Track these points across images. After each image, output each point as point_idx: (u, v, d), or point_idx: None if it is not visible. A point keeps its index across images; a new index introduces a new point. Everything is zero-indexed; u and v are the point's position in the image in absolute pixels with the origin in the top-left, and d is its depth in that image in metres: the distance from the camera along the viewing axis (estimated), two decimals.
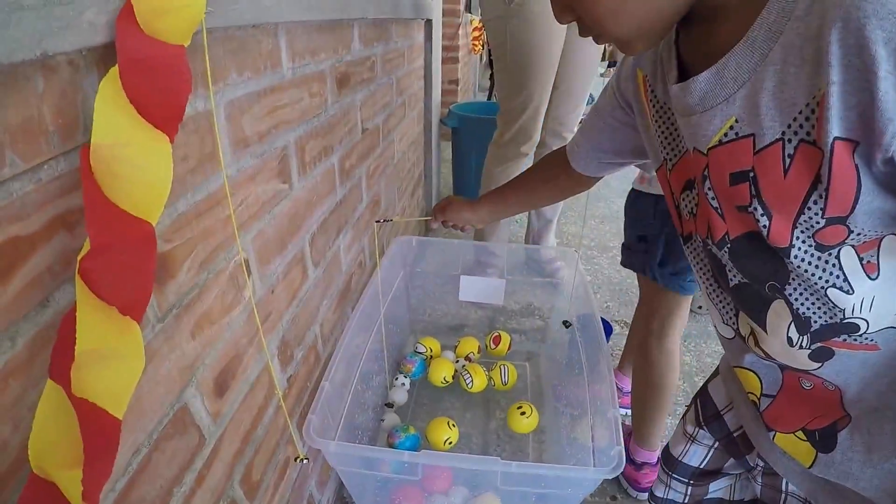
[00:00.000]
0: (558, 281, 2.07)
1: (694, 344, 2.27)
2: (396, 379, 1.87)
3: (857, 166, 0.51)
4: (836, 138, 0.50)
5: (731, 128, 0.59)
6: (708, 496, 0.98)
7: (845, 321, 0.62)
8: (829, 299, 0.61)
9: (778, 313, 0.66)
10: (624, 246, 1.52)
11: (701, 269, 0.78)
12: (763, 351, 0.72)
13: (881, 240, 0.57)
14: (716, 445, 0.95)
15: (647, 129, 0.82)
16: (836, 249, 0.58)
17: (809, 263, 0.59)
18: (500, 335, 2.06)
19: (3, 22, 0.41)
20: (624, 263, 1.53)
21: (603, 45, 2.28)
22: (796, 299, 0.63)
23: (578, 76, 2.32)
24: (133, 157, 0.49)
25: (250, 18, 0.80)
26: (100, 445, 0.46)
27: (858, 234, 0.56)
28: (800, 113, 0.52)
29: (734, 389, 0.88)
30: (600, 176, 1.12)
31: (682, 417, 1.03)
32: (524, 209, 1.43)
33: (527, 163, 2.34)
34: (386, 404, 1.80)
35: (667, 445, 1.05)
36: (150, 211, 0.50)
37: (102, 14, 0.50)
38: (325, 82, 1.24)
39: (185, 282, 0.73)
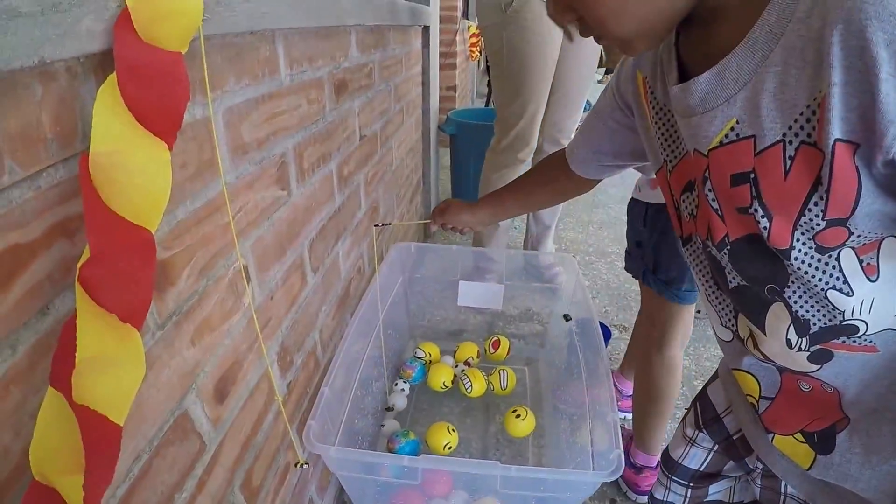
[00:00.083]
0: (557, 286, 2.07)
1: (693, 348, 2.27)
2: (396, 384, 1.87)
3: (857, 168, 0.51)
4: (836, 140, 0.50)
5: (732, 129, 0.59)
6: (707, 498, 0.98)
7: (845, 323, 0.62)
8: (829, 301, 0.61)
9: (777, 315, 0.66)
10: (626, 251, 1.53)
11: (700, 270, 0.78)
12: (762, 353, 0.72)
13: (881, 242, 0.57)
14: (715, 448, 0.95)
15: (646, 130, 0.82)
16: (837, 251, 0.58)
17: (809, 265, 0.59)
18: (499, 340, 2.06)
19: (0, 29, 0.41)
20: (626, 268, 1.54)
21: (600, 52, 2.30)
22: (795, 301, 0.63)
23: (575, 83, 2.32)
24: (132, 165, 0.49)
25: (247, 25, 0.80)
26: (101, 452, 0.46)
27: (859, 236, 0.56)
28: (801, 114, 0.52)
29: (733, 392, 0.88)
30: (599, 179, 1.12)
31: (682, 420, 1.03)
32: (523, 211, 1.43)
33: (524, 169, 2.34)
34: (386, 409, 1.81)
35: (666, 448, 1.05)
36: (150, 218, 0.51)
37: (100, 21, 0.50)
38: (322, 89, 1.24)
39: (185, 289, 0.73)
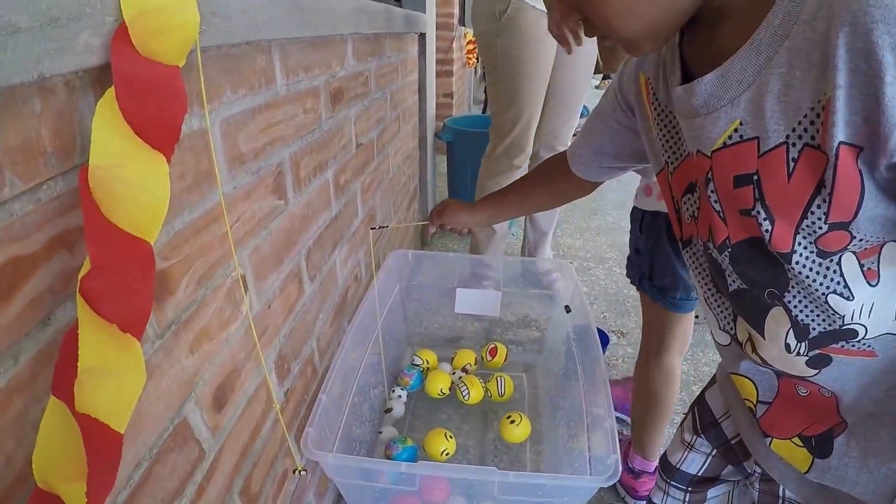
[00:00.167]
0: (555, 292, 2.08)
1: (691, 353, 2.28)
2: (393, 391, 1.87)
3: (860, 171, 0.51)
4: (841, 143, 0.50)
5: (736, 130, 0.59)
6: (706, 503, 0.99)
7: (844, 327, 0.62)
8: (830, 306, 0.61)
9: (777, 320, 0.66)
10: (627, 257, 1.54)
11: (700, 273, 0.78)
12: (760, 357, 0.72)
13: (882, 246, 0.57)
14: (713, 453, 0.95)
15: (648, 132, 0.82)
16: (838, 256, 0.58)
17: (811, 270, 0.59)
18: (496, 347, 2.06)
19: (0, 45, 0.42)
20: (627, 274, 1.55)
21: (596, 58, 2.31)
22: (795, 306, 0.64)
23: (571, 89, 2.34)
24: (131, 178, 0.50)
25: (244, 36, 0.81)
26: (103, 459, 0.47)
27: (860, 240, 0.56)
28: (804, 117, 0.53)
29: (731, 397, 0.88)
30: (600, 181, 1.11)
31: (680, 425, 1.04)
32: (522, 213, 1.43)
33: (519, 176, 2.35)
34: (385, 410, 1.81)
35: (664, 453, 1.05)
36: (149, 230, 0.51)
37: (98, 36, 0.51)
38: (318, 98, 1.25)
39: (184, 298, 0.74)
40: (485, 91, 4.91)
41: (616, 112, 0.92)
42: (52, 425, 0.48)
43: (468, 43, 6.19)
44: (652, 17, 0.60)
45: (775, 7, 0.53)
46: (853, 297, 0.60)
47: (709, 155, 0.63)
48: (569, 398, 1.57)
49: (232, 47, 0.83)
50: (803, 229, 0.57)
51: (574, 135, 3.63)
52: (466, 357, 2.03)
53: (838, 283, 0.59)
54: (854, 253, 0.57)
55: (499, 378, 1.91)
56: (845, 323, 0.62)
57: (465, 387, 1.88)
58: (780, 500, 0.83)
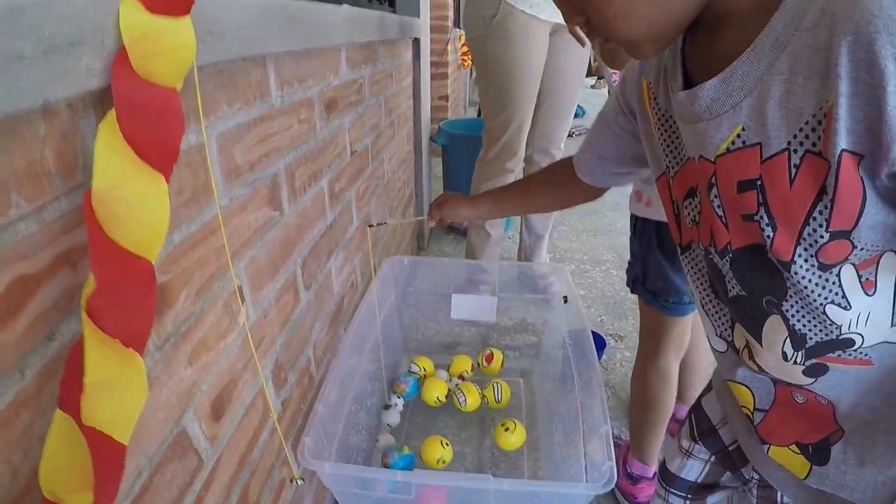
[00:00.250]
0: (551, 296, 2.09)
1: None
2: (390, 399, 1.89)
3: (862, 179, 0.52)
4: (843, 150, 0.50)
5: (739, 136, 0.59)
6: None
7: (841, 337, 0.63)
8: (827, 316, 0.61)
9: (774, 328, 0.67)
10: (628, 261, 1.55)
11: (698, 279, 0.79)
12: (757, 364, 0.73)
13: (881, 256, 0.58)
14: (712, 459, 0.96)
15: (649, 136, 0.83)
16: (838, 268, 0.58)
17: (809, 281, 0.60)
18: (492, 353, 2.08)
19: (5, 73, 0.43)
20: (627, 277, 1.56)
21: (588, 61, 2.33)
22: (793, 315, 0.64)
23: (563, 93, 2.36)
24: (132, 199, 0.52)
25: (239, 52, 0.83)
26: (107, 470, 0.50)
27: (862, 249, 0.56)
28: (806, 123, 0.53)
29: (728, 404, 0.89)
30: (605, 187, 1.11)
31: (678, 432, 1.04)
32: (524, 211, 1.42)
33: (512, 179, 2.37)
34: (384, 406, 1.83)
35: (663, 460, 1.06)
36: (150, 248, 0.54)
37: (99, 59, 0.53)
38: (313, 108, 1.27)
39: (182, 311, 0.76)
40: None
41: (618, 116, 0.93)
42: (58, 438, 0.50)
43: (463, 45, 6.20)
44: (654, 18, 0.60)
45: (777, 13, 0.53)
46: (850, 307, 0.60)
47: (713, 160, 0.63)
48: (565, 404, 1.59)
49: (227, 63, 0.85)
50: (804, 239, 0.57)
51: (569, 135, 3.66)
52: (463, 364, 2.05)
53: (836, 293, 0.60)
54: (853, 265, 0.58)
55: (495, 384, 1.93)
56: (842, 332, 0.62)
57: (461, 394, 1.89)
58: None
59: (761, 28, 0.55)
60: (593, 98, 8.75)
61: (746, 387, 0.77)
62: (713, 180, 0.64)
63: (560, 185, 1.17)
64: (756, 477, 0.87)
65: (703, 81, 0.62)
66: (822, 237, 0.56)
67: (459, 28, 6.07)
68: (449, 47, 5.63)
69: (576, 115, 4.57)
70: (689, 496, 1.01)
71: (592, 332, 1.65)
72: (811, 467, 0.73)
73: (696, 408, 1.00)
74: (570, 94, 2.39)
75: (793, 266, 0.59)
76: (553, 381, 1.88)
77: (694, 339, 1.55)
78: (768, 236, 0.60)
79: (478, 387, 1.94)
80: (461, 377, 2.01)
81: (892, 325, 0.62)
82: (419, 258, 2.09)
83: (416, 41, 2.80)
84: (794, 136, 0.54)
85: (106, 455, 0.50)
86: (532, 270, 2.41)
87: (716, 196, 0.65)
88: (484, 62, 2.23)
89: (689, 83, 0.67)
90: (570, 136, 4.04)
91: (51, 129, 0.53)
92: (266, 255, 1.04)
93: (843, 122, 0.49)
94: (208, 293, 0.83)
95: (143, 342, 0.54)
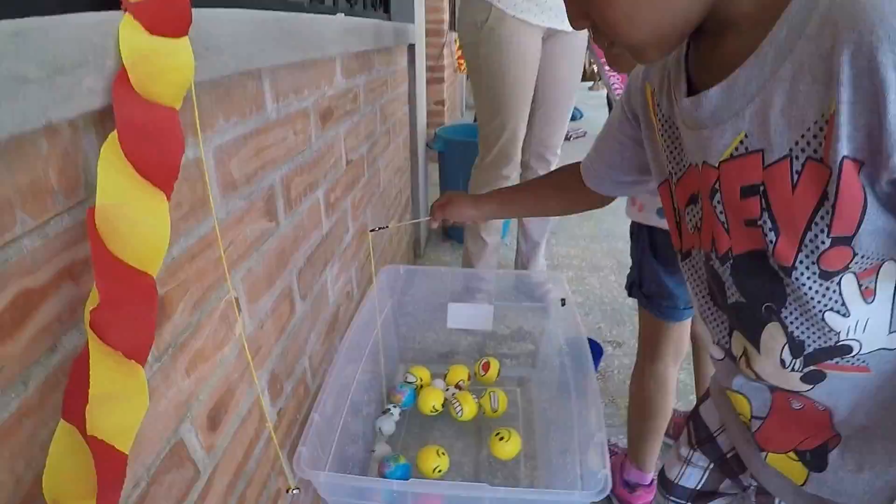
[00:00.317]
0: (548, 304, 2.09)
1: (688, 362, 2.28)
2: (387, 409, 1.90)
3: (863, 185, 0.53)
4: (844, 157, 0.51)
5: (741, 142, 0.60)
6: None
7: (840, 343, 0.64)
8: (826, 323, 0.62)
9: (773, 335, 0.68)
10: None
11: (697, 285, 0.80)
12: (754, 372, 0.73)
13: (881, 266, 0.58)
14: (711, 467, 0.97)
15: (653, 143, 0.84)
16: (839, 277, 0.59)
17: (810, 288, 0.61)
18: (489, 362, 2.08)
19: (10, 96, 0.45)
20: None
21: (582, 66, 2.35)
22: (791, 322, 0.65)
23: (557, 99, 2.38)
24: (134, 216, 0.55)
25: (235, 67, 0.85)
26: (109, 478, 0.52)
27: (863, 257, 0.57)
28: (808, 130, 0.54)
29: (725, 411, 0.90)
30: (612, 196, 1.12)
31: (676, 440, 1.06)
32: (531, 213, 1.42)
33: (508, 185, 2.37)
34: (383, 410, 1.85)
35: (662, 468, 1.07)
36: (152, 264, 0.56)
37: (100, 80, 0.55)
38: (308, 119, 1.29)
39: (180, 322, 0.78)
40: None
41: (623, 124, 0.93)
42: (61, 447, 0.52)
43: (458, 48, 6.21)
44: (659, 23, 0.61)
45: (781, 21, 0.54)
46: (849, 314, 0.61)
47: (716, 166, 0.64)
48: (561, 412, 1.60)
49: (224, 77, 0.86)
50: (806, 245, 0.58)
51: (567, 138, 3.67)
52: (459, 373, 2.06)
53: (836, 300, 0.61)
54: (854, 274, 0.59)
55: (492, 394, 1.93)
56: (840, 339, 0.63)
57: (458, 403, 1.89)
58: None
59: (764, 35, 0.56)
60: (591, 100, 8.78)
61: (743, 395, 0.78)
62: (717, 186, 0.65)
63: (568, 189, 1.16)
64: (754, 484, 0.88)
65: (706, 88, 0.63)
66: (823, 243, 0.57)
67: (455, 31, 6.08)
68: (445, 51, 5.65)
69: (573, 118, 4.59)
70: None
71: (589, 339, 1.66)
72: (809, 474, 0.74)
73: (694, 416, 1.02)
74: (564, 99, 2.41)
75: (794, 272, 0.60)
76: (550, 389, 1.88)
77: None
78: (771, 241, 0.61)
79: (474, 396, 1.94)
80: (458, 386, 2.02)
81: (889, 332, 0.63)
82: (415, 267, 2.10)
83: (412, 47, 2.82)
84: (796, 143, 0.55)
85: (108, 464, 0.52)
86: (529, 278, 2.41)
87: (719, 202, 0.66)
88: (477, 67, 2.26)
89: (692, 90, 0.68)
90: (567, 139, 4.05)
91: (53, 148, 0.55)
92: (262, 266, 1.06)
93: (845, 130, 0.50)
94: (206, 304, 0.85)
95: (144, 355, 0.56)
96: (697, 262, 0.78)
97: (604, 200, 1.14)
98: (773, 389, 0.74)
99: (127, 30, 0.57)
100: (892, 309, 0.62)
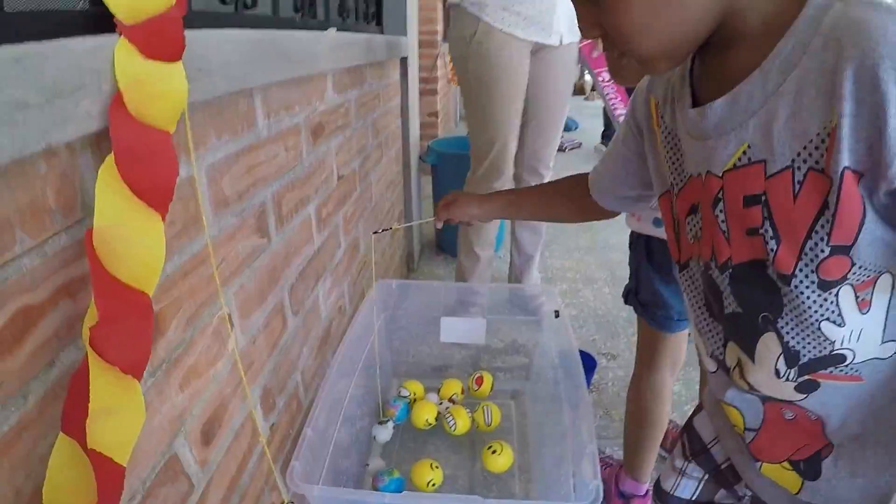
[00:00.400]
0: (541, 317, 2.10)
1: (684, 372, 2.26)
2: (380, 423, 1.91)
3: (862, 196, 0.55)
4: (845, 168, 0.54)
5: (745, 153, 0.62)
6: None
7: (834, 353, 0.65)
8: (821, 332, 0.64)
9: (768, 346, 0.69)
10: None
11: (694, 296, 0.82)
12: (747, 383, 0.74)
13: (877, 278, 0.61)
14: (705, 478, 0.99)
15: (655, 154, 0.85)
16: (837, 288, 0.61)
17: (808, 297, 0.63)
18: (482, 376, 2.09)
19: (11, 122, 0.48)
20: None
21: (573, 81, 2.37)
22: (787, 332, 0.67)
23: (548, 112, 2.40)
24: (130, 237, 0.58)
25: (227, 87, 0.87)
26: (108, 490, 0.55)
27: (861, 268, 0.59)
28: (810, 142, 0.56)
29: (719, 423, 0.92)
30: (617, 211, 1.13)
31: (671, 452, 1.07)
32: (538, 217, 1.43)
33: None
34: (379, 422, 1.86)
35: (657, 480, 1.09)
36: (148, 283, 0.59)
37: (97, 103, 0.58)
38: (299, 135, 1.31)
39: (174, 338, 0.81)
40: None
41: (627, 138, 0.95)
42: (61, 460, 0.55)
43: (451, 59, 6.22)
44: (670, 36, 0.63)
45: (786, 36, 0.57)
46: (844, 324, 0.63)
47: (720, 175, 0.66)
48: (555, 425, 1.61)
49: (216, 97, 0.89)
50: (806, 253, 0.60)
51: (561, 149, 3.68)
52: (453, 387, 2.07)
53: (833, 311, 0.63)
54: (852, 286, 0.61)
55: (485, 407, 1.94)
56: (835, 349, 0.65)
57: (451, 417, 1.91)
58: None
59: (770, 48, 0.58)
60: (586, 110, 8.83)
61: (735, 408, 0.80)
62: (720, 195, 0.67)
63: (575, 198, 1.17)
64: (749, 494, 0.89)
65: (710, 100, 0.65)
66: (822, 251, 0.59)
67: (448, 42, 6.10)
68: (439, 62, 5.67)
69: (567, 129, 4.62)
70: None
71: (583, 352, 1.67)
72: (803, 482, 0.76)
73: (689, 428, 1.03)
74: (556, 113, 2.42)
75: (793, 280, 0.62)
76: (543, 402, 1.89)
77: None
78: (772, 249, 0.63)
79: (468, 410, 1.96)
80: (451, 400, 2.03)
81: (882, 342, 0.65)
82: (408, 282, 2.11)
83: (404, 60, 2.84)
84: (799, 154, 0.58)
85: (108, 476, 0.55)
86: (522, 291, 2.43)
87: (721, 210, 0.68)
88: (466, 81, 2.29)
89: (696, 102, 0.71)
90: (562, 149, 4.07)
91: (51, 169, 0.58)
92: (254, 282, 1.08)
93: (847, 142, 0.53)
94: (199, 321, 0.87)
95: (141, 370, 0.59)
96: (695, 273, 0.80)
97: (607, 213, 1.15)
98: (766, 400, 0.76)
99: (122, 53, 0.59)
100: (886, 319, 0.64)
